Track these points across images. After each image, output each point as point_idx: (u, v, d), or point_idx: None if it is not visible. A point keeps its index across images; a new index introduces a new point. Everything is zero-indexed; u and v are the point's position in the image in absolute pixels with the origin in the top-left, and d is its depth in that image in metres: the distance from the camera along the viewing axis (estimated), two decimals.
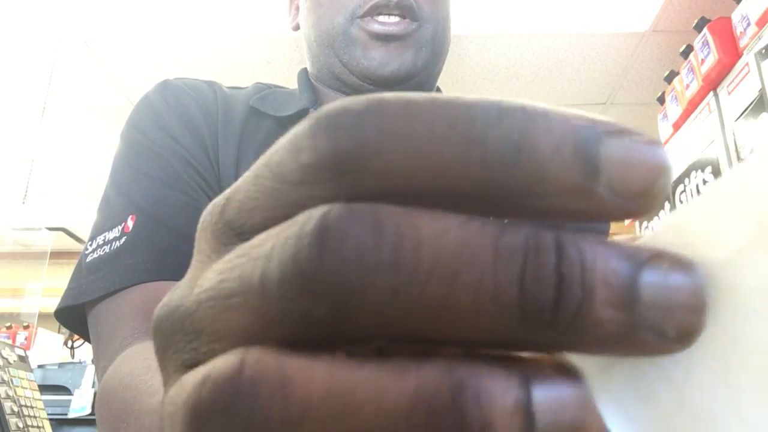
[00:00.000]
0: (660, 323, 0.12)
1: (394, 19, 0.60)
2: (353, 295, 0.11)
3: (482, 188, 0.12)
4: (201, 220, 0.16)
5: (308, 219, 0.12)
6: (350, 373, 0.12)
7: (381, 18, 0.60)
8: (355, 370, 0.12)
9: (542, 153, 0.12)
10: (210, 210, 0.16)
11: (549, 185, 0.12)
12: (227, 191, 0.15)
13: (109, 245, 0.54)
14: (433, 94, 0.13)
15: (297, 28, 0.72)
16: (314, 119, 0.13)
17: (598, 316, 0.12)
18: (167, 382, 0.15)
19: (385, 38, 0.60)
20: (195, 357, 0.14)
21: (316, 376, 0.12)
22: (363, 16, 0.61)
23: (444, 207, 0.12)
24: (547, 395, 0.12)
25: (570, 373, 0.12)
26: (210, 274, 0.14)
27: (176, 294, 0.15)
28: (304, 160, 0.13)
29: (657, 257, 0.12)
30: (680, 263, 0.12)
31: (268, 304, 0.12)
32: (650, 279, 0.12)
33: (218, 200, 0.16)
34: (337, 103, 0.13)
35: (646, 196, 0.12)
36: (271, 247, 0.12)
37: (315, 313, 0.12)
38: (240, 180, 0.15)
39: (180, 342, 0.14)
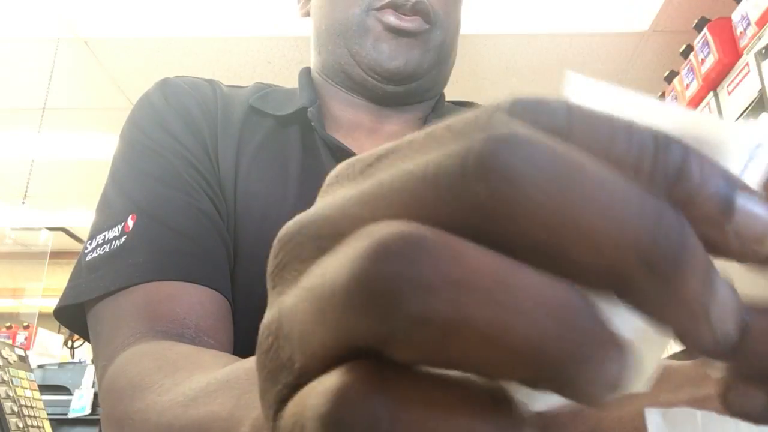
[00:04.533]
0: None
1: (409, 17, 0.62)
2: (517, 182, 0.12)
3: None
4: (333, 173, 0.17)
5: (497, 128, 0.13)
6: (516, 267, 0.12)
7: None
8: (521, 267, 0.12)
9: (696, 183, 0.14)
10: (348, 165, 0.17)
11: (694, 211, 0.14)
12: (374, 151, 0.16)
13: (108, 244, 0.53)
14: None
15: (307, 14, 0.72)
16: (511, 101, 0.15)
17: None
18: (283, 288, 0.15)
19: (397, 32, 0.61)
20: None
21: (485, 258, 0.12)
22: (379, 9, 0.61)
23: None
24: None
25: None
26: (354, 187, 0.15)
27: (309, 212, 0.16)
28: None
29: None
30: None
31: (438, 192, 0.13)
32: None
33: (360, 157, 0.16)
34: (526, 94, 0.15)
35: (759, 244, 0.15)
36: (443, 154, 0.13)
37: (478, 195, 0.12)
38: (400, 142, 0.16)
39: (309, 248, 0.15)
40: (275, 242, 0.16)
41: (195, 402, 0.31)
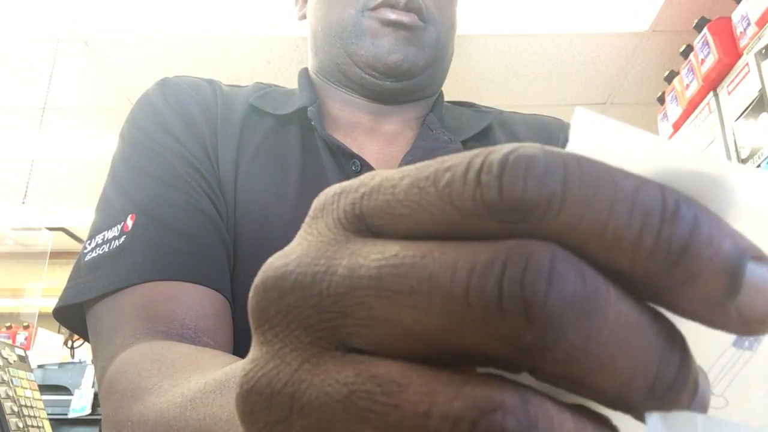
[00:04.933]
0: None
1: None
2: (560, 331, 0.12)
3: (639, 273, 0.13)
4: (319, 202, 0.16)
5: (529, 252, 0.13)
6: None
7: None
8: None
9: (701, 261, 0.13)
10: (333, 195, 0.16)
11: (693, 290, 0.13)
12: (360, 184, 0.16)
13: (108, 244, 0.53)
14: (613, 165, 0.14)
15: (303, 17, 0.73)
16: (501, 158, 0.13)
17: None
18: (283, 348, 0.15)
19: (395, 25, 0.62)
20: (338, 337, 0.14)
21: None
22: (374, 9, 0.63)
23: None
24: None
25: None
26: (365, 261, 0.14)
27: (301, 266, 0.15)
28: (485, 197, 0.13)
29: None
30: None
31: (470, 316, 0.13)
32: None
33: (346, 188, 0.16)
34: (525, 147, 0.13)
35: (762, 323, 0.14)
36: (474, 262, 0.13)
37: (523, 339, 0.12)
38: (384, 179, 0.15)
39: (311, 316, 0.15)
40: (259, 285, 0.16)
41: (193, 403, 0.31)
